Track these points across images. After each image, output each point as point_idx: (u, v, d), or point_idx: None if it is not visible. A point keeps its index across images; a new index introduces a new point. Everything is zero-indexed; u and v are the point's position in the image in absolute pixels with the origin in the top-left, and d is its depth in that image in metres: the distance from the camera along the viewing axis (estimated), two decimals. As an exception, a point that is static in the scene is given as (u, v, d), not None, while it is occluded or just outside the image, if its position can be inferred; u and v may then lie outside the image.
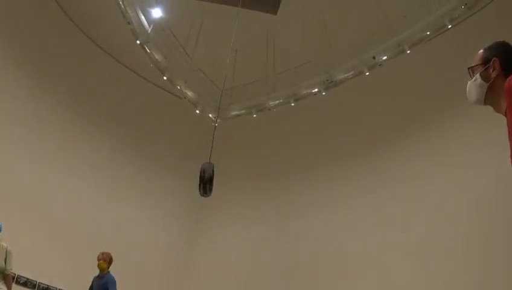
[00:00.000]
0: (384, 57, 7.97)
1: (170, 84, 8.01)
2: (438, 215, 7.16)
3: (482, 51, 2.57)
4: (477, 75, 2.46)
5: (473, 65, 2.54)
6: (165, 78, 7.80)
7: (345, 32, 8.21)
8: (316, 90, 8.71)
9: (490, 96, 2.42)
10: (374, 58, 8.08)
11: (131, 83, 8.95)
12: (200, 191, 6.98)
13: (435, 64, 7.96)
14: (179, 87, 8.06)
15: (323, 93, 8.68)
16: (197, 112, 8.43)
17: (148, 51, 7.32)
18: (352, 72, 8.38)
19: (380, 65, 8.09)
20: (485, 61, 2.47)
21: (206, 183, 6.89)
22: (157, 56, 7.52)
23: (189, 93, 8.25)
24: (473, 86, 2.50)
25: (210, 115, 8.71)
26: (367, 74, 8.20)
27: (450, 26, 7.03)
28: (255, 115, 9.04)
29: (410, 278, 7.03)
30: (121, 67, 8.80)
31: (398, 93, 8.58)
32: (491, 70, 2.41)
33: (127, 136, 8.85)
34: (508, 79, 2.13)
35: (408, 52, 7.67)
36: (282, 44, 8.07)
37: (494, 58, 2.41)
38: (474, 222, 6.61)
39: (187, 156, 9.11)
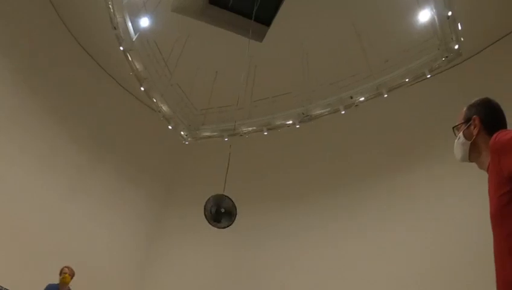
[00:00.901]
0: (362, 98, 8.07)
1: (146, 96, 7.86)
2: (400, 256, 7.16)
3: (464, 108, 2.62)
4: (461, 134, 2.51)
5: (456, 124, 2.59)
6: (142, 88, 7.69)
7: (326, 69, 8.32)
8: (291, 122, 8.73)
9: (474, 154, 2.44)
10: (351, 98, 8.18)
11: (107, 87, 8.80)
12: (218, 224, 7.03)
13: (411, 109, 8.13)
14: (154, 100, 7.93)
15: (297, 126, 8.71)
16: (170, 127, 8.31)
17: (129, 58, 7.22)
18: (328, 109, 8.45)
19: (356, 105, 8.20)
20: (467, 119, 2.52)
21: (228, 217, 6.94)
22: (138, 65, 7.43)
23: (164, 108, 8.15)
24: (458, 144, 2.53)
25: (182, 133, 8.61)
26: (343, 112, 8.29)
27: (429, 76, 7.19)
28: (226, 139, 8.99)
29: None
30: (99, 69, 8.66)
31: (372, 133, 8.69)
32: (472, 128, 2.46)
33: (93, 141, 8.62)
34: (494, 136, 2.15)
35: (385, 95, 7.81)
36: (263, 72, 8.09)
37: (474, 116, 2.47)
38: (438, 267, 6.60)
39: (152, 171, 8.96)
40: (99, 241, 8.39)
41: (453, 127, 2.66)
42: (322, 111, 8.54)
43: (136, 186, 9.08)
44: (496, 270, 2.13)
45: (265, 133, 8.87)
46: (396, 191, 7.87)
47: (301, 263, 8.19)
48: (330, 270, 7.82)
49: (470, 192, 6.74)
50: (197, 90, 8.51)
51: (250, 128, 8.91)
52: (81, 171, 8.34)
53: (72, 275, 6.14)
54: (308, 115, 8.60)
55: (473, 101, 2.60)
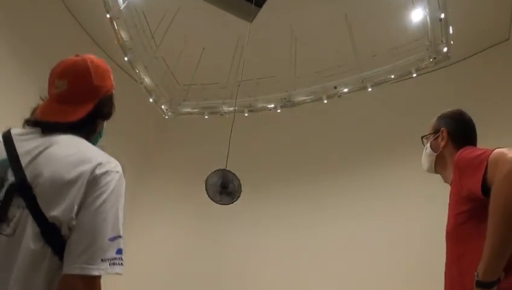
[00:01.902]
0: (345, 90, 8.10)
1: (129, 66, 7.71)
2: (371, 248, 7.28)
3: (434, 120, 2.60)
4: (428, 145, 2.50)
5: (426, 134, 2.55)
6: (126, 58, 7.53)
7: (313, 57, 8.29)
8: (272, 106, 8.73)
9: (439, 166, 2.45)
10: (335, 88, 8.20)
11: (90, 52, 8.56)
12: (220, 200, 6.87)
13: (393, 106, 8.19)
14: (137, 71, 7.79)
15: (278, 111, 8.71)
16: (150, 100, 8.19)
17: (115, 27, 7.05)
18: (311, 97, 8.47)
19: (339, 96, 8.22)
20: (436, 131, 2.50)
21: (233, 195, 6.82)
22: (124, 35, 7.27)
23: (147, 80, 8.03)
24: (425, 154, 2.55)
25: (162, 107, 8.51)
26: (325, 101, 8.31)
27: (414, 75, 7.24)
28: (206, 117, 8.93)
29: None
30: (84, 34, 8.43)
31: (351, 125, 8.73)
32: (440, 140, 2.44)
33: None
34: (459, 153, 2.14)
35: (369, 89, 7.84)
36: (250, 53, 8.01)
37: (443, 128, 2.45)
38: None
39: (129, 142, 8.82)
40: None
41: (422, 137, 2.65)
42: (305, 98, 8.55)
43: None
44: (445, 288, 2.14)
45: (246, 115, 8.85)
46: (371, 185, 7.96)
47: (271, 249, 8.25)
48: (301, 257, 7.92)
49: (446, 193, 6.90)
50: (182, 66, 8.39)
51: (231, 108, 8.86)
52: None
53: None
54: (290, 101, 8.61)
55: (445, 111, 2.59)
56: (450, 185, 2.23)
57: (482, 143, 6.66)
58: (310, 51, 8.24)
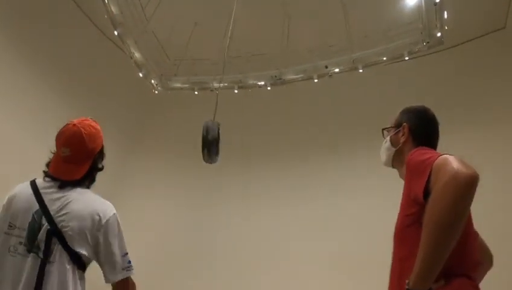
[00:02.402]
0: (337, 70, 8.08)
1: (120, 40, 7.59)
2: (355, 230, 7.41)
3: (397, 114, 2.55)
4: (388, 138, 2.48)
5: (385, 127, 2.57)
6: (116, 33, 7.40)
7: (305, 35, 8.23)
8: (262, 83, 8.70)
9: (397, 162, 2.43)
10: (326, 67, 8.18)
11: (81, 27, 8.39)
12: (204, 156, 6.20)
13: (383, 89, 8.22)
14: (128, 46, 7.67)
15: (269, 88, 8.68)
16: (140, 75, 8.10)
17: (106, 1, 6.90)
18: (301, 75, 8.44)
19: (330, 76, 8.21)
20: (398, 125, 2.45)
21: (210, 146, 6.24)
22: (114, 8, 7.12)
23: (137, 54, 7.90)
24: (383, 148, 2.54)
25: (152, 81, 8.41)
26: (316, 80, 8.30)
27: (407, 58, 7.24)
28: (196, 92, 8.87)
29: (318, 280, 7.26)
30: (75, 8, 8.22)
31: (341, 105, 8.77)
32: (400, 135, 2.42)
33: (62, 80, 8.21)
34: (411, 153, 2.12)
35: (360, 70, 7.84)
36: (242, 29, 7.92)
37: (404, 123, 2.40)
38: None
39: (119, 117, 8.74)
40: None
41: (383, 129, 2.60)
42: (295, 77, 8.52)
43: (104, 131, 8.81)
44: (389, 288, 2.16)
45: (236, 91, 8.81)
46: (358, 165, 8.04)
47: (261, 222, 8.37)
48: (290, 230, 8.05)
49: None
50: (173, 41, 8.29)
51: (221, 85, 8.80)
52: (43, 109, 8.00)
53: None
54: (280, 79, 8.58)
55: (409, 106, 2.55)
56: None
57: (473, 131, 6.80)
58: (303, 29, 8.17)
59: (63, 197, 2.23)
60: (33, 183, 2.30)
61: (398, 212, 2.15)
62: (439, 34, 6.72)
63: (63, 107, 8.05)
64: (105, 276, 2.28)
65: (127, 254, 2.39)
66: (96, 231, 2.23)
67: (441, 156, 1.86)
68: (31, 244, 2.07)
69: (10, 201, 2.25)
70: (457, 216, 1.65)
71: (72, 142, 2.31)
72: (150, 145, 9.48)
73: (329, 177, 8.21)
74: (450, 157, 1.80)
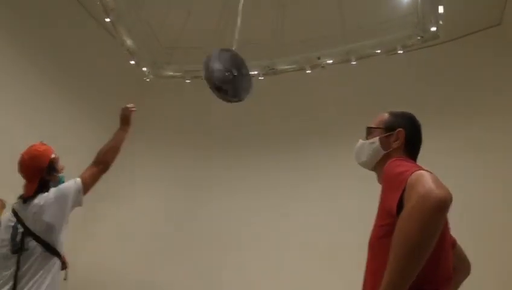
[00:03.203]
0: (330, 61, 8.08)
1: (112, 27, 7.50)
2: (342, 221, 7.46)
3: (387, 115, 2.41)
4: (376, 139, 2.31)
5: (374, 126, 2.40)
6: (108, 20, 7.32)
7: (299, 27, 8.19)
8: (255, 73, 8.65)
9: (380, 165, 2.24)
10: (319, 58, 8.17)
11: (70, 14, 8.26)
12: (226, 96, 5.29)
13: (376, 81, 8.23)
14: (120, 33, 7.60)
15: (261, 78, 8.66)
16: (132, 62, 8.03)
17: (97, -13, 6.81)
18: (294, 66, 8.44)
19: (322, 67, 8.21)
20: (388, 128, 2.33)
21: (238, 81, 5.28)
22: (106, -6, 7.03)
23: (129, 42, 7.84)
24: (367, 147, 2.36)
25: (144, 69, 8.35)
26: (308, 71, 8.30)
27: (400, 52, 7.26)
28: (188, 81, 8.83)
29: (306, 271, 7.32)
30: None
31: (331, 98, 8.76)
32: (393, 140, 2.27)
33: (54, 66, 8.09)
34: (390, 161, 2.04)
35: (353, 62, 7.84)
36: (235, 20, 7.87)
37: (399, 128, 2.27)
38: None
39: (110, 105, 8.62)
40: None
41: (370, 127, 2.41)
42: (287, 67, 8.52)
43: (97, 117, 8.71)
44: None
45: (228, 80, 8.77)
46: (350, 157, 8.06)
47: (251, 212, 8.38)
48: (281, 222, 8.09)
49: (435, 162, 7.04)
50: (166, 29, 8.19)
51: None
52: (36, 98, 7.90)
53: (3, 207, 5.99)
54: (273, 69, 8.56)
55: (397, 110, 2.45)
56: None
57: (466, 128, 6.83)
58: (297, 19, 8.13)
59: (26, 209, 2.98)
60: (13, 206, 3.11)
61: (374, 221, 2.08)
62: (434, 29, 6.74)
63: (53, 95, 8.01)
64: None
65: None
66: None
67: (416, 172, 1.77)
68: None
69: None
70: (424, 238, 1.59)
71: (20, 168, 3.03)
72: (139, 134, 9.38)
73: (323, 166, 8.23)
74: (425, 175, 1.73)
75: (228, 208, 8.59)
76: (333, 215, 7.57)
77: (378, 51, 7.50)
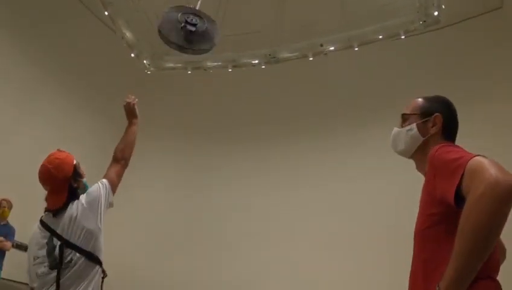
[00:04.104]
0: (332, 48, 7.99)
1: (110, 21, 7.43)
2: (350, 210, 7.42)
3: (421, 100, 2.33)
4: (414, 126, 2.22)
5: (409, 113, 2.29)
6: (106, 13, 7.25)
7: (300, 13, 8.08)
8: (257, 61, 8.59)
9: (418, 153, 2.21)
10: (321, 45, 8.08)
11: (68, 8, 8.19)
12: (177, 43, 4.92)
13: (379, 67, 8.13)
14: (119, 26, 7.53)
15: (263, 67, 8.59)
16: (132, 55, 7.97)
17: (95, -20, 6.72)
18: (296, 54, 8.35)
19: (325, 54, 8.12)
20: (425, 113, 2.23)
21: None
22: (104, -13, 6.95)
23: (128, 34, 7.78)
24: (405, 135, 2.27)
25: (144, 62, 8.29)
26: (311, 58, 8.21)
27: (403, 37, 7.15)
28: (189, 72, 8.76)
29: (315, 262, 7.28)
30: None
31: (332, 84, 8.67)
32: (430, 125, 2.19)
33: (53, 64, 8.04)
34: (436, 148, 1.99)
35: (356, 49, 7.75)
36: (235, 8, 7.78)
37: (437, 113, 2.19)
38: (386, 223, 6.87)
39: (112, 98, 8.59)
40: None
41: (404, 114, 2.31)
42: (290, 55, 8.43)
43: (97, 114, 8.71)
44: (408, 288, 2.10)
45: (230, 70, 8.71)
46: (355, 144, 8.00)
47: (255, 206, 8.35)
48: (284, 215, 8.05)
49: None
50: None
51: (215, 64, 8.70)
52: (33, 91, 7.86)
53: (10, 207, 6.03)
54: (274, 57, 8.47)
55: (432, 95, 2.38)
56: (425, 175, 2.12)
57: (468, 111, 6.73)
58: (298, 6, 8.01)
59: (57, 221, 2.81)
60: (40, 220, 2.91)
61: (419, 209, 2.04)
62: (436, 13, 6.63)
63: (53, 91, 8.00)
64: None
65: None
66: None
67: (474, 158, 1.71)
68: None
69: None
70: (494, 229, 1.54)
71: (45, 179, 2.83)
72: (140, 126, 9.35)
73: (330, 155, 8.20)
74: (486, 161, 1.66)
75: (235, 199, 8.57)
76: (352, 204, 7.53)
77: (380, 36, 7.40)
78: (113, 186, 3.08)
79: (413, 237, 2.04)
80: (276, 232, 7.94)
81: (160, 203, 8.97)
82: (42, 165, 2.86)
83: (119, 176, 3.19)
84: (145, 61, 8.23)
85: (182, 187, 9.08)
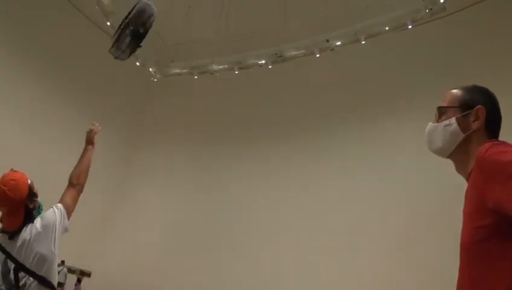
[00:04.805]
0: (338, 43, 7.86)
1: (113, 30, 7.35)
2: (369, 208, 7.26)
3: (460, 91, 1.99)
4: (453, 120, 1.92)
5: (446, 105, 2.06)
6: (108, 23, 7.19)
7: (303, 11, 7.98)
8: (263, 62, 8.49)
9: (458, 152, 1.91)
10: (327, 41, 7.95)
11: (74, 23, 8.18)
12: (113, 46, 4.90)
13: (388, 59, 7.97)
14: (122, 35, 7.44)
15: (270, 67, 8.48)
16: (137, 64, 7.91)
17: (95, -9, 6.68)
18: (302, 51, 8.23)
19: (332, 50, 8.00)
20: (465, 106, 2.00)
21: (133, 36, 4.86)
22: (104, -1, 6.89)
23: (132, 43, 7.68)
24: (442, 131, 1.90)
25: (150, 69, 8.23)
26: (317, 55, 8.09)
27: (410, 27, 7.01)
28: (196, 77, 8.69)
29: (333, 256, 7.17)
30: (65, 2, 8.01)
31: (343, 80, 8.53)
32: (472, 120, 1.93)
33: (62, 78, 8.07)
34: (485, 147, 1.71)
35: (363, 42, 7.61)
36: (237, 9, 7.69)
37: (479, 106, 1.96)
38: (405, 218, 6.74)
39: (119, 108, 8.58)
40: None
41: (440, 107, 2.13)
42: (296, 53, 8.31)
43: (106, 125, 8.65)
44: None
45: (236, 72, 8.62)
46: (365, 139, 7.86)
47: (268, 204, 8.23)
48: (297, 213, 7.92)
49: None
50: (168, 26, 8.04)
51: (221, 67, 8.62)
52: (42, 107, 7.88)
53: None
54: (281, 56, 8.36)
55: (470, 85, 2.12)
56: (467, 180, 1.89)
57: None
58: (300, 3, 7.91)
59: (12, 243, 2.69)
60: None
61: (464, 220, 1.79)
62: (442, 0, 6.47)
63: (63, 106, 8.00)
64: None
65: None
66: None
67: None
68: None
69: None
70: None
71: (1, 201, 2.66)
72: (150, 133, 9.34)
73: (334, 153, 8.06)
74: None
75: (248, 201, 8.45)
76: (363, 200, 7.39)
77: (387, 28, 7.25)
78: (69, 211, 2.90)
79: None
80: (294, 232, 7.81)
81: (171, 207, 8.93)
82: None
83: (75, 201, 3.01)
84: (150, 69, 8.16)
85: (192, 189, 9.00)
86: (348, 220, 7.30)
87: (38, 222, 2.73)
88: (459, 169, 2.02)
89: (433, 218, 6.46)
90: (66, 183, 2.93)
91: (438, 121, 1.91)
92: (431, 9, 6.69)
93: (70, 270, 8.04)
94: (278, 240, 7.86)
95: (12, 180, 2.72)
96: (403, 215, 6.75)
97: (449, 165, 1.79)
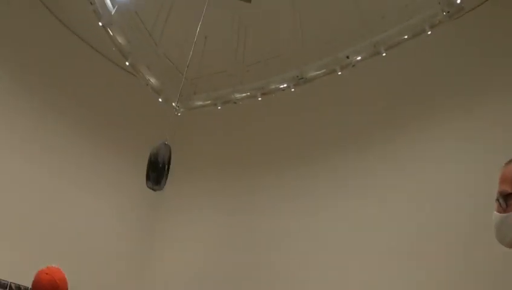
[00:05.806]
0: (359, 57, 7.71)
1: (133, 70, 7.49)
2: (414, 217, 6.92)
3: None
4: None
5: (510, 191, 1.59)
6: (127, 63, 7.30)
7: (319, 29, 7.91)
8: (285, 85, 8.41)
9: None
10: (347, 57, 7.81)
11: (94, 63, 8.39)
12: (148, 181, 5.55)
13: (410, 68, 7.78)
14: (141, 73, 7.56)
15: (292, 90, 8.39)
16: (160, 100, 7.98)
17: (111, 34, 6.79)
18: (324, 70, 8.10)
19: (353, 66, 7.85)
20: None
21: (159, 172, 5.55)
22: (121, 40, 7.03)
23: (152, 80, 7.80)
24: None
25: (173, 104, 8.25)
26: (339, 73, 7.95)
27: (429, 32, 6.82)
28: (219, 107, 8.68)
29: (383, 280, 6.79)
30: (86, 46, 8.24)
31: (368, 95, 8.34)
32: None
33: (83, 117, 8.24)
34: None
35: (384, 54, 7.44)
36: (253, 35, 7.69)
37: None
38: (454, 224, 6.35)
39: (147, 143, 8.62)
40: (101, 223, 8.20)
41: (505, 194, 1.60)
42: (318, 73, 8.18)
43: (132, 160, 8.70)
44: None
45: (259, 99, 8.56)
46: (397, 158, 7.59)
47: (298, 228, 8.01)
48: (327, 236, 7.66)
49: (468, 157, 6.47)
50: (186, 59, 8.07)
51: (243, 95, 8.59)
52: (71, 150, 8.01)
53: None
54: (303, 78, 8.26)
55: None
56: None
57: (501, 97, 6.27)
58: (316, 22, 7.86)
59: None
60: None
61: None
62: (458, 1, 6.27)
63: (83, 146, 8.16)
64: None
65: None
66: None
67: None
68: None
69: None
70: None
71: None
72: (182, 170, 9.28)
73: (364, 177, 7.80)
74: None
75: (283, 232, 8.22)
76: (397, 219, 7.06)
77: (406, 36, 7.08)
78: None
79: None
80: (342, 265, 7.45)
81: (208, 244, 8.82)
82: (46, 274, 2.87)
83: None
84: (173, 104, 8.19)
85: (229, 226, 8.86)
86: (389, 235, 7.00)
87: None
88: None
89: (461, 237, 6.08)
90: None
91: (504, 211, 1.60)
92: (448, 11, 6.49)
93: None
94: (326, 273, 7.51)
95: (61, 279, 2.88)
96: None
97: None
